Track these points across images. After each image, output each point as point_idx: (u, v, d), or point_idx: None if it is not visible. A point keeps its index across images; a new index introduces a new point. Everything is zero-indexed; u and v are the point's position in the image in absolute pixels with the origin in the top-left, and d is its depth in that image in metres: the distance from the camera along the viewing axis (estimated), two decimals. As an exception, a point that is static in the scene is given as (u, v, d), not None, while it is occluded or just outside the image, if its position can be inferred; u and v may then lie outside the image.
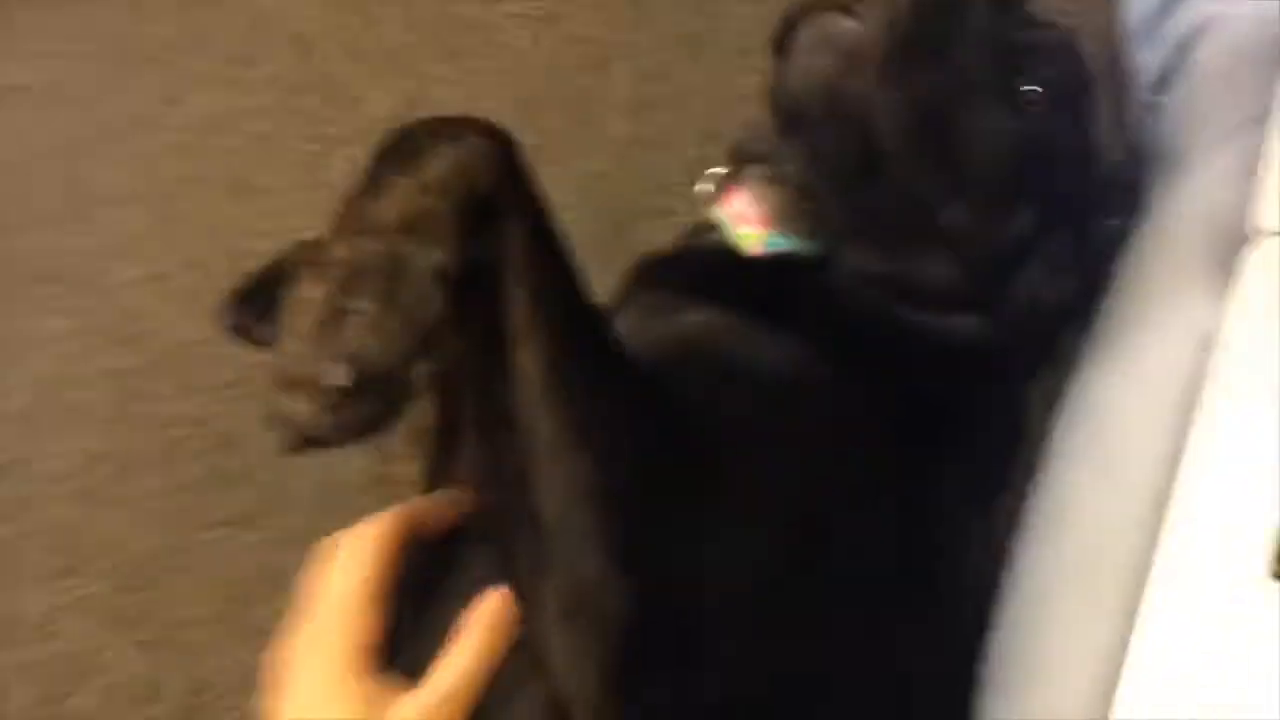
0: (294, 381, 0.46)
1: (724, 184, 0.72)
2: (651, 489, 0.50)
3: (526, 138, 1.11)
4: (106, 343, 1.15)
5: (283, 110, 1.29)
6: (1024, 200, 0.64)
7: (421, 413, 0.57)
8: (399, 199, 0.48)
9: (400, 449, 0.60)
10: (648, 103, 1.12)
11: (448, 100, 1.20)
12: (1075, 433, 0.60)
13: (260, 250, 1.23)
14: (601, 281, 0.75)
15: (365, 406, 0.46)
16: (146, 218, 1.25)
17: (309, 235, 1.14)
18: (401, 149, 0.50)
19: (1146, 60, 0.74)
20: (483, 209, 0.49)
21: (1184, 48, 0.69)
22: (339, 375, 0.45)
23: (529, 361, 0.49)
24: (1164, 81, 0.71)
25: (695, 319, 0.64)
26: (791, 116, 0.65)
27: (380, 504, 0.62)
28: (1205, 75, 0.66)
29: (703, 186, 0.75)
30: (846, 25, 0.60)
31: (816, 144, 0.64)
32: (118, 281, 1.20)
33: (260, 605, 0.93)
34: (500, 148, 0.51)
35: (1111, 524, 0.53)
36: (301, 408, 0.46)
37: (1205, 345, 0.51)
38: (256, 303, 0.78)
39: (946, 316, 0.65)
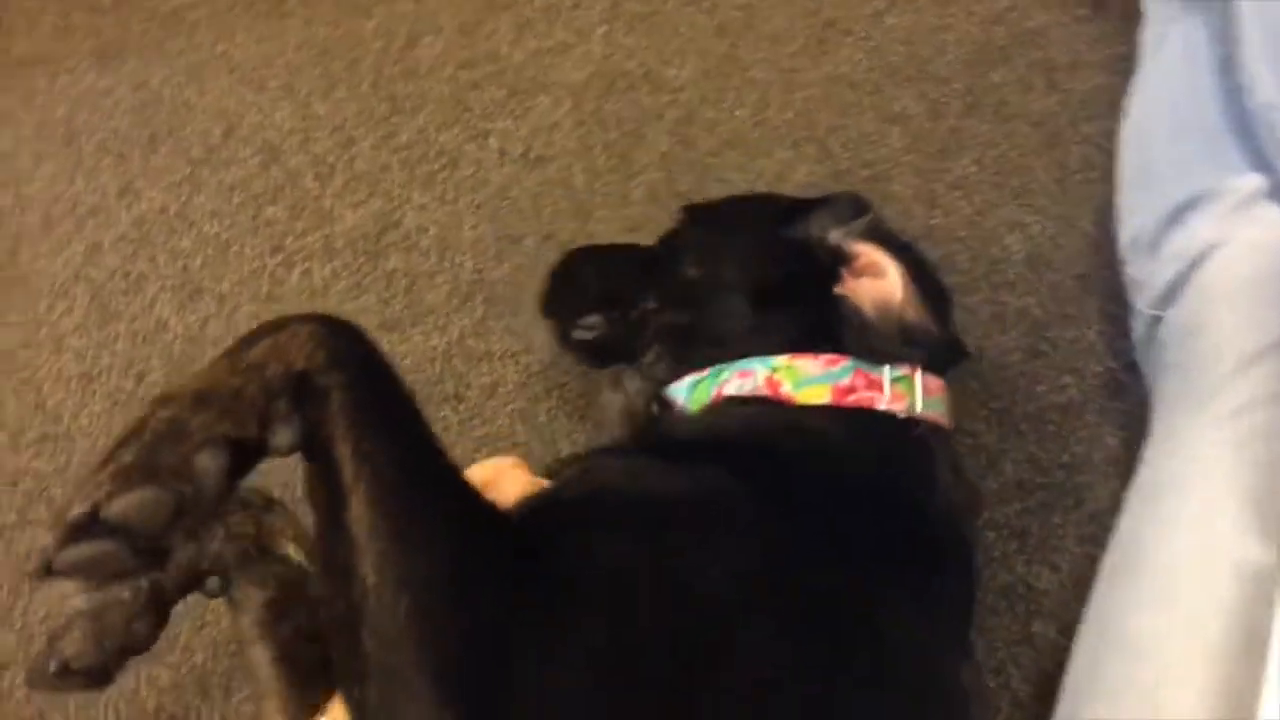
0: (57, 516, 0.50)
1: None
2: (492, 633, 0.51)
3: (499, 274, 1.13)
4: (19, 441, 1.07)
5: (243, 217, 1.24)
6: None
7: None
8: (205, 377, 0.54)
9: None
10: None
11: (421, 225, 1.18)
12: (1109, 665, 0.58)
13: (203, 360, 1.19)
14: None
15: (103, 549, 0.49)
16: (84, 311, 1.18)
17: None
18: (244, 339, 0.56)
19: (1144, 274, 0.76)
20: (302, 385, 0.54)
21: (1189, 267, 0.71)
22: (81, 510, 0.49)
23: (356, 517, 0.52)
24: (1168, 297, 0.73)
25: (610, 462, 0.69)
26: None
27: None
28: (1215, 299, 0.68)
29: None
30: None
31: None
32: (43, 374, 1.12)
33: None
34: (325, 330, 0.55)
35: None
36: (46, 537, 0.49)
37: (1249, 578, 0.50)
38: None
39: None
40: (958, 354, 0.80)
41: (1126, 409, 0.83)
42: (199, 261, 1.21)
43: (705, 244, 0.83)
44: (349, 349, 0.56)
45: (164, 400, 0.54)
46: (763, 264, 0.79)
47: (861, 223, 0.77)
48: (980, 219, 0.98)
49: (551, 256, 1.11)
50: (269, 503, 0.73)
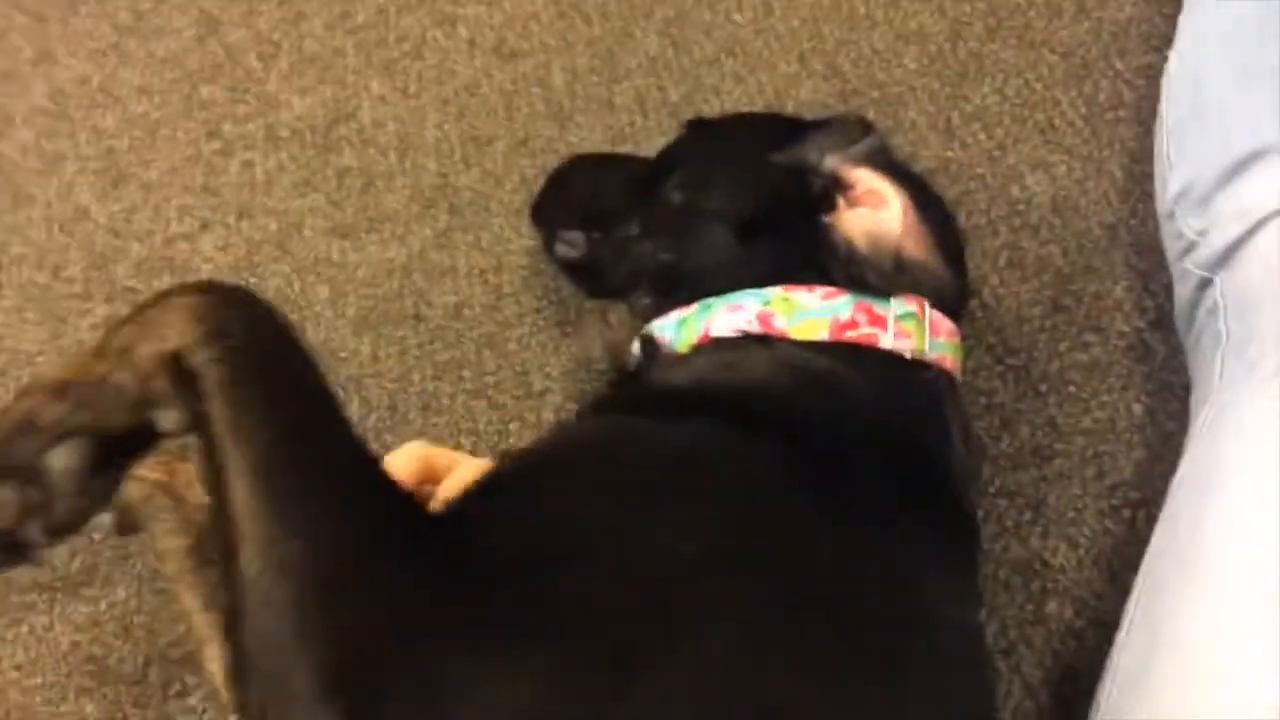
0: None
1: None
2: (393, 626, 0.46)
3: (467, 180, 1.02)
4: (-85, 336, 0.95)
5: (176, 96, 1.11)
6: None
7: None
8: (71, 363, 0.54)
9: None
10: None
11: (379, 120, 1.06)
12: (1165, 674, 0.52)
13: (128, 254, 1.07)
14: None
15: None
16: (-9, 193, 1.05)
17: (185, 243, 1.01)
18: (120, 319, 0.54)
19: (1193, 230, 0.69)
20: (179, 364, 0.51)
21: (1250, 228, 0.65)
22: None
23: (237, 503, 0.48)
24: (1222, 259, 0.66)
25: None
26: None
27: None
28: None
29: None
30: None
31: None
32: (-56, 265, 1.00)
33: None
34: (203, 302, 0.52)
35: None
36: None
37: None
38: None
39: None
40: (966, 298, 0.74)
41: (1153, 373, 0.77)
42: (125, 143, 1.08)
43: (692, 166, 0.76)
44: (230, 320, 0.52)
45: (27, 389, 0.52)
46: (749, 191, 0.71)
47: (863, 147, 0.70)
48: (1001, 154, 0.90)
49: (524, 163, 1.02)
50: (184, 449, 0.66)
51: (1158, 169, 0.77)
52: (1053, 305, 0.82)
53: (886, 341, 0.62)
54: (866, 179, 0.66)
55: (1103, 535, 0.72)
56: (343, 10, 1.15)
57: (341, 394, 0.87)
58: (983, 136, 0.92)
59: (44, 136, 1.09)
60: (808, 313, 0.63)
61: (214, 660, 0.65)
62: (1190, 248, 0.70)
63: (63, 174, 1.06)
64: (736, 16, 1.06)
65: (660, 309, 0.70)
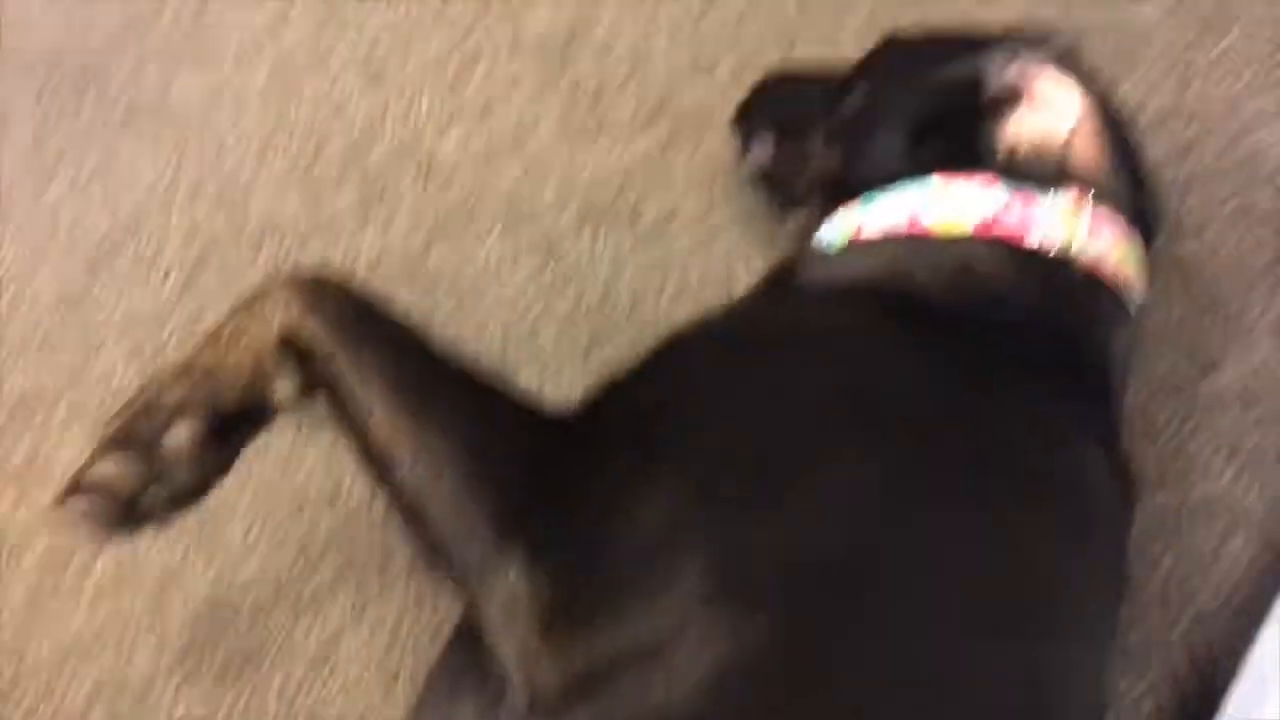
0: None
1: None
2: (533, 471, 0.55)
3: (691, 98, 1.06)
4: (198, 191, 1.07)
5: (431, 6, 1.20)
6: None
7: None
8: (192, 350, 0.64)
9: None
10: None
11: (614, 35, 1.11)
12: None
13: (381, 143, 1.16)
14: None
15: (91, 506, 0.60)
16: (265, 78, 1.17)
17: (431, 139, 1.09)
18: (230, 313, 0.64)
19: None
20: (287, 340, 0.61)
21: None
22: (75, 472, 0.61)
23: (379, 429, 0.57)
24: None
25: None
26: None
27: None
28: None
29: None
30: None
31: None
32: (225, 131, 1.12)
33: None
34: (296, 285, 0.62)
35: None
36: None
37: None
38: None
39: None
40: (1158, 217, 0.72)
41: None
42: (377, 47, 1.17)
43: (873, 79, 0.78)
44: (321, 296, 0.61)
45: (158, 373, 0.63)
46: (922, 98, 0.71)
47: (1046, 52, 0.69)
48: (1239, 104, 0.87)
49: (747, 85, 1.05)
50: None
51: None
52: (1276, 257, 0.79)
53: (1035, 234, 0.63)
54: (1044, 83, 0.67)
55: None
56: (588, -68, 1.21)
57: (558, 285, 0.94)
58: (1222, 86, 0.89)
59: (313, 37, 1.20)
60: (959, 203, 0.65)
61: None
62: None
63: (331, 68, 1.17)
64: (973, -51, 1.05)
65: (826, 216, 0.73)
